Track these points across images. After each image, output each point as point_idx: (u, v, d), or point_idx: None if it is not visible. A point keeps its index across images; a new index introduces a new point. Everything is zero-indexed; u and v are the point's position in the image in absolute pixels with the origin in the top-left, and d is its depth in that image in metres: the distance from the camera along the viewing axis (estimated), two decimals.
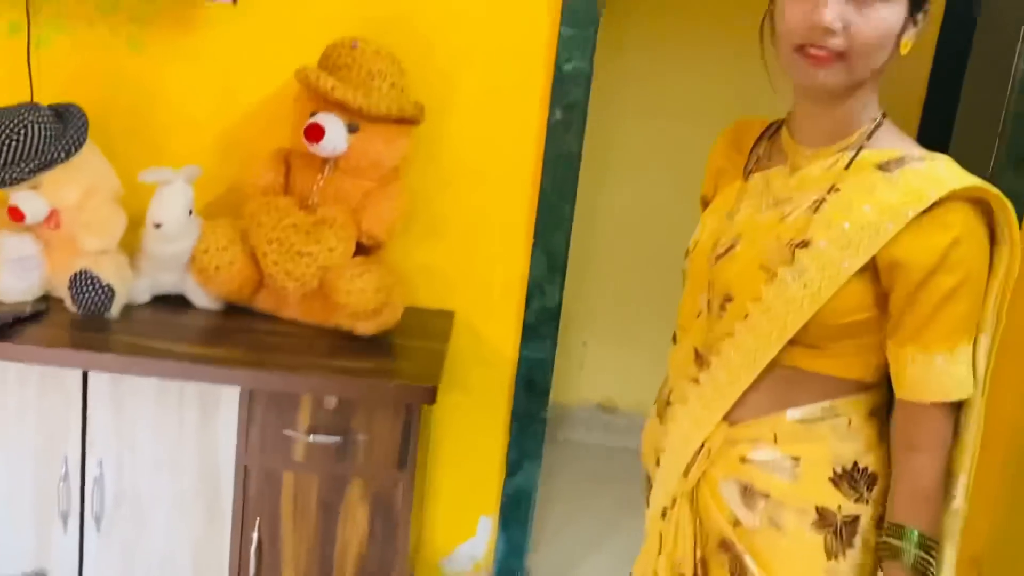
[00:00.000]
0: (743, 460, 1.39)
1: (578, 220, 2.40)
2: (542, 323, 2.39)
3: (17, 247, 2.10)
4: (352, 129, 2.11)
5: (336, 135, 2.09)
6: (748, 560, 1.37)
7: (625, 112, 3.56)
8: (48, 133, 2.06)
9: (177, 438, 2.03)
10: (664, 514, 1.49)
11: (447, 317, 2.36)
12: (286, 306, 2.17)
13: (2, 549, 2.09)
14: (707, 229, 1.50)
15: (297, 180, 2.20)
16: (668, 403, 1.50)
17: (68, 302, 2.08)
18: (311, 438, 1.99)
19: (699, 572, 1.43)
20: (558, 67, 2.25)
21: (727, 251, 1.43)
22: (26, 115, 2.04)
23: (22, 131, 2.03)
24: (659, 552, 1.49)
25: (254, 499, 2.04)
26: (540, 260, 2.36)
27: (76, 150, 2.09)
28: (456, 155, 2.33)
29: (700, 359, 1.45)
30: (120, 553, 2.08)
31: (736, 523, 1.39)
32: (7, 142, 2.02)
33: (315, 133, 2.07)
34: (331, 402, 1.97)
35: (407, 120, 2.16)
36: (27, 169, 2.03)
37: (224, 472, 2.03)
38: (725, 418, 1.41)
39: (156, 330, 2.09)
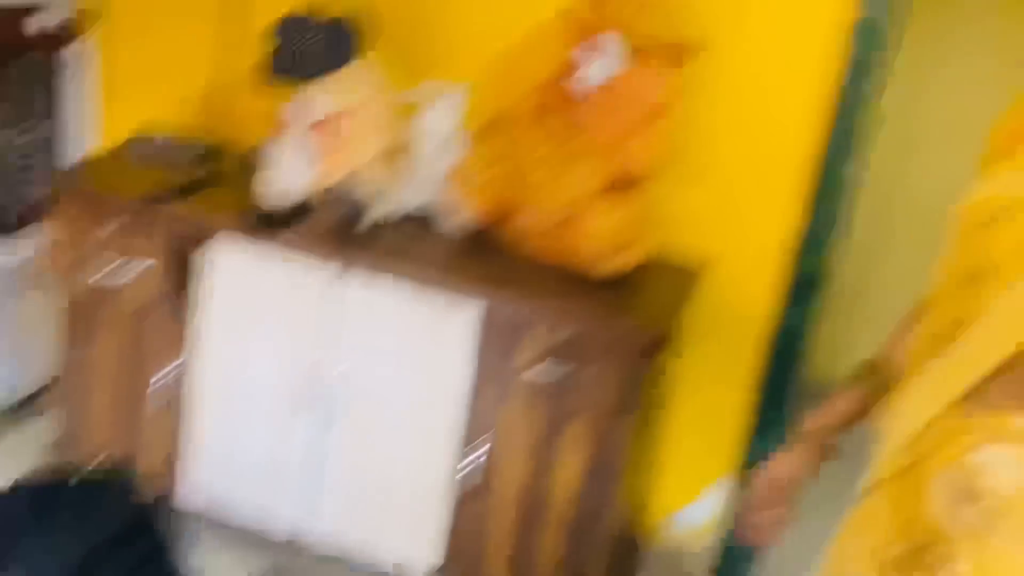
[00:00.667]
0: (967, 455, 1.21)
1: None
2: (802, 288, 2.21)
3: (291, 149, 2.20)
4: (617, 63, 2.04)
5: (599, 68, 2.02)
6: (954, 568, 1.20)
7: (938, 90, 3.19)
8: (333, 40, 2.14)
9: (415, 352, 2.08)
10: (867, 493, 1.33)
11: (700, 269, 2.25)
12: (531, 238, 2.14)
13: (244, 437, 2.24)
14: (987, 191, 1.30)
15: (558, 112, 2.15)
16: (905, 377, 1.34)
17: (325, 209, 2.16)
18: (537, 370, 1.96)
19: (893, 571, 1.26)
20: (857, 21, 2.05)
21: (1000, 219, 1.23)
22: (313, 22, 2.13)
23: (310, 36, 2.12)
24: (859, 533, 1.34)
25: (478, 421, 2.05)
26: (810, 223, 2.18)
27: (355, 58, 2.15)
28: (733, 99, 2.18)
29: (945, 335, 1.27)
30: (352, 450, 2.17)
31: (945, 525, 1.22)
32: (295, 45, 2.12)
33: (577, 65, 2.01)
34: (561, 337, 1.93)
35: (679, 56, 2.05)
36: (310, 72, 2.12)
37: (454, 391, 2.05)
38: (959, 404, 1.23)
39: (403, 246, 2.12)
